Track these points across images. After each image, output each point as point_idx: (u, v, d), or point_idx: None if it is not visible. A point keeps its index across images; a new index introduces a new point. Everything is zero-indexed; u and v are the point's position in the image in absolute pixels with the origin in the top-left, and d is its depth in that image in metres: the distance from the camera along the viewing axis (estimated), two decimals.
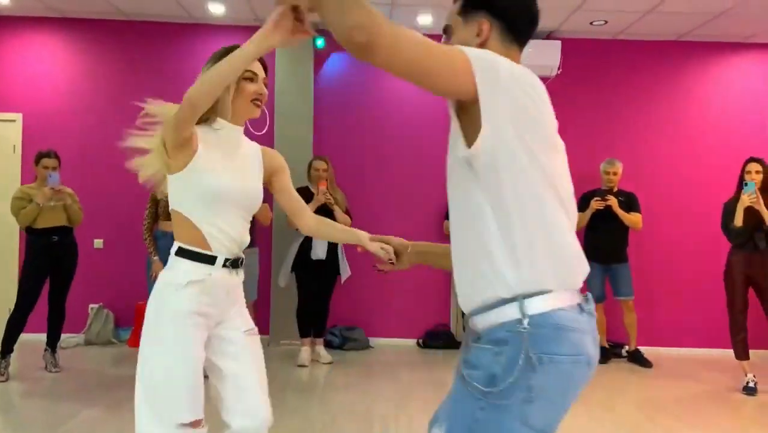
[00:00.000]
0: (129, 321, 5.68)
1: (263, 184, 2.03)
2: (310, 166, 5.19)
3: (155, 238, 4.62)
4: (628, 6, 5.09)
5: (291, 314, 5.42)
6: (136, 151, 1.92)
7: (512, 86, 1.27)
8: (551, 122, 1.35)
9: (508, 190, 1.28)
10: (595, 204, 5.23)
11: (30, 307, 4.47)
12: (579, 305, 1.33)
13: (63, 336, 4.82)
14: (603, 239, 5.26)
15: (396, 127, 5.95)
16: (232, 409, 1.89)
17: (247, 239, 1.97)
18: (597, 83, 5.90)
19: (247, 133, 2.03)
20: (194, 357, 1.80)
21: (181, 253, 1.85)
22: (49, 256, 4.55)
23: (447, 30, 1.50)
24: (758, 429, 3.78)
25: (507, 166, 1.27)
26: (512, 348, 1.25)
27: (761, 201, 4.40)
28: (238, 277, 1.94)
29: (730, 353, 4.73)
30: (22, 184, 5.37)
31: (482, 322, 1.33)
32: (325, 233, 2.13)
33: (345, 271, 5.12)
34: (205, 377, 1.85)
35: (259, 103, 1.93)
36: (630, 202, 5.33)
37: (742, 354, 4.63)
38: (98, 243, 5.81)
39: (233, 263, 1.89)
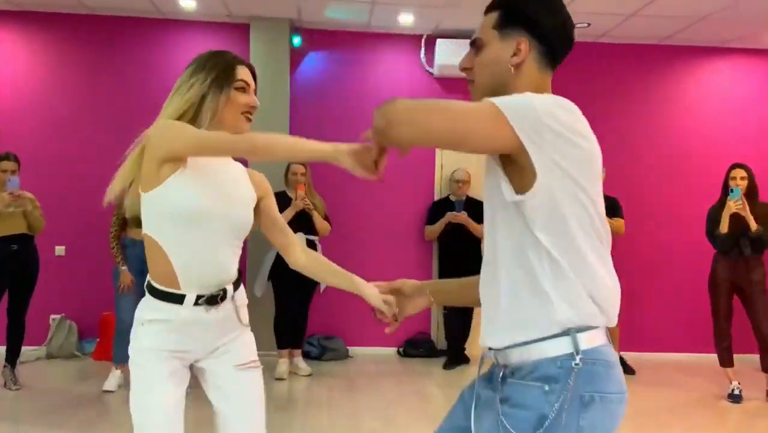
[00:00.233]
0: (93, 333, 5.38)
1: None
2: (287, 170, 4.98)
3: (123, 246, 4.36)
4: (612, 9, 5.03)
5: (267, 324, 5.19)
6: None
7: (552, 124, 1.21)
8: (594, 148, 1.29)
9: (559, 230, 1.25)
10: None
11: None
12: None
13: (22, 349, 4.51)
14: None
15: None
16: None
17: (234, 270, 1.74)
18: (579, 86, 5.82)
19: None
20: (164, 396, 1.64)
21: (149, 289, 1.70)
22: (8, 266, 4.24)
23: (477, 43, 1.39)
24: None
25: (558, 206, 1.24)
26: (563, 386, 1.21)
27: (747, 208, 4.38)
28: (221, 312, 1.70)
29: (713, 357, 4.71)
30: None
31: (522, 355, 1.27)
32: (316, 272, 1.90)
33: None
34: None
35: (249, 116, 1.73)
36: (613, 208, 5.28)
37: (726, 361, 4.61)
38: (60, 250, 5.48)
39: (209, 300, 1.66)
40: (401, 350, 5.63)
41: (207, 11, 5.45)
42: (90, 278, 5.39)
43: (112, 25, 5.60)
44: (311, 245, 4.80)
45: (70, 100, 5.56)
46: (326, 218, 4.92)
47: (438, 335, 5.71)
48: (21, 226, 4.28)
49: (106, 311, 5.16)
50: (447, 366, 5.23)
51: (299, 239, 5.16)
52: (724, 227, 4.45)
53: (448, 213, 5.23)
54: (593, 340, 1.25)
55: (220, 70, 1.67)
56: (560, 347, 1.24)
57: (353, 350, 5.60)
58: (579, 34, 5.55)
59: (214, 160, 1.72)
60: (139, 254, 4.39)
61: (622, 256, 5.56)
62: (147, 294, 1.70)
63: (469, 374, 5.08)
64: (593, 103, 5.85)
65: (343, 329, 5.64)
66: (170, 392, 1.65)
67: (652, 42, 5.87)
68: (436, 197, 5.63)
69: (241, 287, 1.79)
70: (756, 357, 4.62)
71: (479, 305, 1.50)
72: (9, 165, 4.24)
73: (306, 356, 5.20)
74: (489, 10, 1.40)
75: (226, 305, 1.70)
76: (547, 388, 1.22)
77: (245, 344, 1.79)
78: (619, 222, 5.25)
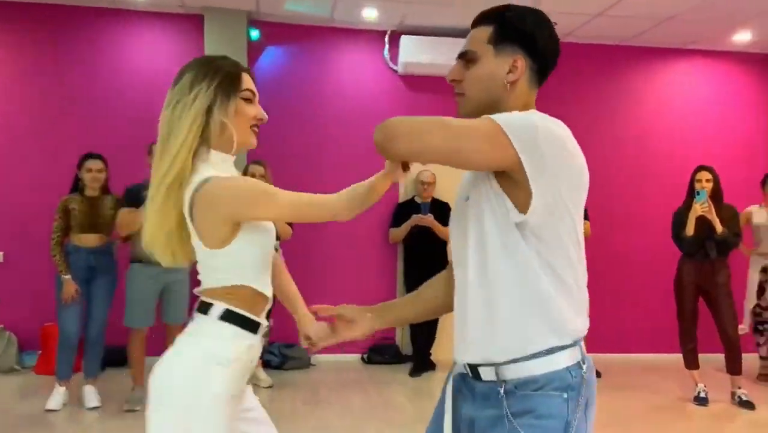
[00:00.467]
0: (35, 345, 5.00)
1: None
2: (245, 171, 4.72)
3: (67, 253, 4.04)
4: (579, 8, 4.96)
5: None
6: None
7: (550, 144, 1.25)
8: (584, 164, 1.34)
9: (557, 246, 1.30)
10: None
11: None
12: None
13: None
14: None
15: (338, 126, 5.56)
16: None
17: None
18: (543, 87, 5.76)
19: None
20: None
21: (225, 317, 1.49)
22: None
23: (469, 56, 1.38)
24: None
25: (555, 225, 1.29)
26: (578, 393, 1.29)
27: (713, 210, 4.38)
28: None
29: (677, 357, 4.71)
30: None
31: (531, 368, 1.29)
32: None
33: None
34: None
35: (257, 129, 1.57)
36: None
37: (692, 364, 4.62)
38: None
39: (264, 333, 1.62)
40: (365, 356, 5.46)
41: (158, 0, 5.13)
42: (31, 287, 5.02)
43: (56, 15, 5.20)
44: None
45: (5, 98, 5.14)
46: (288, 222, 4.69)
47: (403, 340, 5.55)
48: None
49: (48, 321, 4.81)
50: (413, 373, 5.08)
51: None
52: (690, 229, 4.43)
53: (414, 216, 5.08)
54: (584, 349, 1.36)
55: (223, 76, 1.49)
56: (572, 356, 1.31)
57: (316, 357, 5.38)
58: None
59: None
60: (83, 261, 4.10)
61: (586, 257, 5.54)
62: (214, 321, 1.46)
63: (437, 380, 4.94)
64: (557, 104, 5.77)
65: None
66: None
67: (616, 42, 5.84)
68: (401, 199, 5.47)
69: None
70: (720, 356, 4.65)
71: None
72: None
73: (266, 365, 4.96)
74: (480, 23, 1.39)
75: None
76: (566, 396, 1.27)
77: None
78: (586, 225, 5.20)
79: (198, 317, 1.50)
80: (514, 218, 1.26)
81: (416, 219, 5.07)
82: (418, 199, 5.28)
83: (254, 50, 5.44)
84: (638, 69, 5.95)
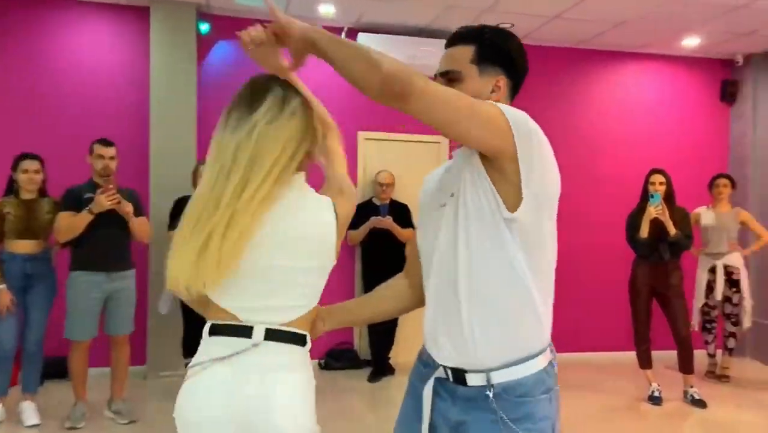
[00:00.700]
0: None
1: None
2: (195, 172, 4.51)
3: (1, 261, 3.75)
4: (537, 10, 4.96)
5: (171, 340, 4.72)
6: None
7: (540, 145, 1.32)
8: (558, 175, 1.40)
9: (540, 247, 1.37)
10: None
11: None
12: None
13: None
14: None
15: None
16: None
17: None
18: None
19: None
20: None
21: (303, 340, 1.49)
22: None
23: (452, 76, 1.42)
24: None
25: (541, 224, 1.35)
26: (554, 391, 1.40)
27: (666, 212, 4.45)
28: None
29: (629, 355, 4.78)
30: None
31: (518, 372, 1.35)
32: None
33: None
34: None
35: None
36: None
37: (645, 363, 4.69)
38: None
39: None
40: (322, 362, 5.31)
41: None
42: None
43: None
44: None
45: None
46: None
47: (361, 344, 5.44)
48: None
49: None
50: (372, 378, 4.98)
51: None
52: (644, 231, 4.49)
53: (373, 218, 4.98)
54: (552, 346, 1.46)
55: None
56: (547, 357, 1.40)
57: None
58: None
59: None
60: (19, 269, 3.79)
61: None
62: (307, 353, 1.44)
63: (396, 385, 4.85)
64: (513, 104, 5.79)
65: None
66: None
67: (569, 45, 5.89)
68: (359, 200, 5.35)
69: None
70: (672, 353, 4.74)
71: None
72: None
73: None
74: (458, 42, 1.44)
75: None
76: (549, 396, 1.38)
77: None
78: None
79: (293, 349, 1.40)
80: (504, 215, 1.30)
81: (375, 221, 4.96)
82: (376, 201, 5.17)
83: (204, 45, 5.21)
84: (591, 72, 6.01)
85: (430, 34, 5.42)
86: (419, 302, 1.57)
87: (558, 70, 5.90)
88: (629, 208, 4.74)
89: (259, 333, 1.35)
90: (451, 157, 1.51)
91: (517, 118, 1.28)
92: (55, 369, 4.61)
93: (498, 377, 1.34)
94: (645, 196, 4.61)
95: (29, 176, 3.79)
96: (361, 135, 5.53)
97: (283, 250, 1.37)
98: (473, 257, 1.33)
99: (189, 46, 5.03)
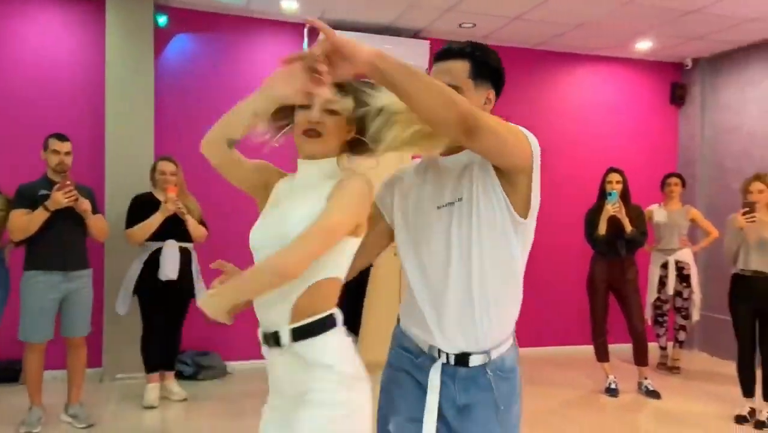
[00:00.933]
0: None
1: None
2: (153, 169, 4.39)
3: None
4: (499, 11, 5.02)
5: (128, 341, 4.59)
6: None
7: (538, 157, 1.53)
8: None
9: (527, 247, 1.62)
10: None
11: None
12: None
13: None
14: None
15: None
16: None
17: (286, 311, 1.51)
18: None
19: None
20: None
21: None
22: None
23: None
24: (623, 430, 3.92)
25: (532, 227, 1.61)
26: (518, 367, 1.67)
27: (623, 210, 4.59)
28: (287, 357, 1.49)
29: (585, 349, 4.92)
30: None
31: (500, 351, 1.60)
32: None
33: (201, 292, 4.40)
34: None
35: (313, 132, 1.49)
36: None
37: (603, 356, 4.84)
38: None
39: (265, 339, 1.52)
40: None
41: None
42: None
43: None
44: (185, 252, 4.27)
45: None
46: (202, 223, 4.40)
47: None
48: None
49: None
50: None
51: (170, 246, 4.53)
52: (602, 229, 4.62)
53: None
54: None
55: None
56: (513, 334, 1.68)
57: (232, 365, 5.12)
58: (464, 34, 5.55)
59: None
60: None
61: None
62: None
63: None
64: None
65: (218, 343, 5.13)
66: None
67: (528, 46, 6.00)
68: None
69: (320, 339, 1.47)
70: (626, 346, 4.90)
71: None
72: None
73: (178, 376, 4.64)
74: (452, 56, 1.56)
75: (292, 350, 1.47)
76: (518, 374, 1.65)
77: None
78: None
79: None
80: (518, 220, 1.52)
81: None
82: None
83: (161, 37, 5.07)
84: (549, 73, 6.13)
85: (393, 32, 5.43)
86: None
87: (517, 71, 5.98)
88: (586, 208, 4.86)
89: None
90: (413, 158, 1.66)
91: (534, 140, 1.50)
92: (8, 373, 4.42)
93: (495, 354, 1.57)
94: (602, 195, 4.74)
95: None
96: None
97: None
98: (484, 256, 1.53)
99: (146, 39, 4.89)
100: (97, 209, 3.84)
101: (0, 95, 4.70)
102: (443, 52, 1.58)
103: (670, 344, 5.56)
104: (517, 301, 1.62)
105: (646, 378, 4.75)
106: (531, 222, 1.55)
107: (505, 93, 5.94)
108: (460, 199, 1.52)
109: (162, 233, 4.17)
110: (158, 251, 4.17)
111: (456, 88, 1.45)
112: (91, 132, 4.82)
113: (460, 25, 5.38)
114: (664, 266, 5.30)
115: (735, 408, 4.23)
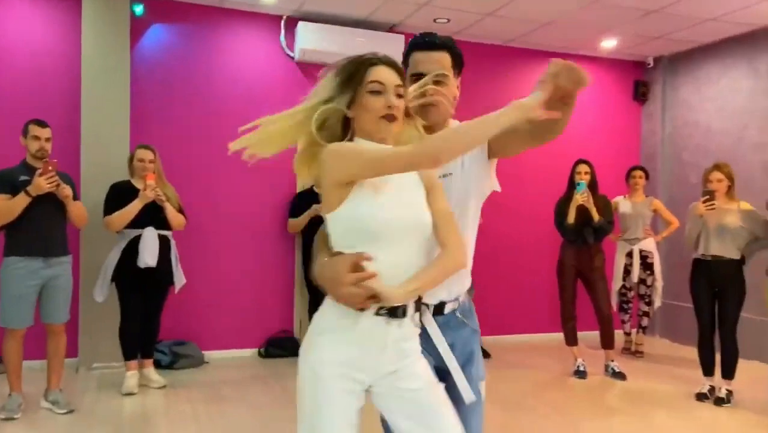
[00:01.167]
0: None
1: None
2: (132, 156, 4.39)
3: None
4: (472, 7, 5.17)
5: (105, 330, 4.58)
6: None
7: None
8: None
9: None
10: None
11: None
12: None
13: None
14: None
15: (228, 109, 5.27)
16: None
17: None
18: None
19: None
20: (342, 416, 1.55)
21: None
22: None
23: (441, 77, 1.69)
24: (592, 409, 4.10)
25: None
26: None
27: (591, 199, 4.79)
28: (404, 329, 1.57)
29: (554, 336, 5.10)
30: None
31: (463, 294, 1.82)
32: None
33: (179, 279, 4.42)
34: None
35: (393, 119, 1.56)
36: None
37: (572, 341, 5.03)
38: None
39: (391, 312, 1.53)
40: (263, 350, 5.30)
41: None
42: None
43: None
44: (164, 240, 4.29)
45: None
46: (180, 210, 4.42)
47: (301, 332, 5.47)
48: None
49: None
50: None
51: (149, 234, 4.53)
52: (571, 217, 4.81)
53: (315, 205, 5.01)
54: None
55: (348, 73, 1.57)
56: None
57: (209, 354, 5.14)
58: (438, 29, 5.67)
59: None
60: None
61: (476, 244, 5.80)
62: (327, 301, 1.60)
63: None
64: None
65: (195, 332, 5.15)
66: (350, 411, 1.55)
67: (499, 43, 6.16)
68: (299, 189, 5.37)
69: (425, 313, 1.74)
70: (592, 334, 5.11)
71: None
72: None
73: (155, 365, 4.63)
74: (436, 48, 1.74)
75: (407, 321, 1.58)
76: (474, 311, 1.89)
77: (419, 368, 1.62)
78: None
79: None
80: (494, 187, 1.85)
81: (316, 209, 5.01)
82: (317, 189, 5.20)
83: (138, 27, 5.06)
84: (517, 69, 6.30)
85: (368, 25, 5.52)
86: None
87: (487, 67, 6.14)
88: (555, 199, 5.05)
89: None
90: None
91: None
92: None
93: (462, 298, 1.81)
94: (571, 185, 4.93)
95: None
96: None
97: None
98: (472, 219, 1.80)
99: (122, 29, 4.88)
100: (76, 196, 3.83)
101: None
102: (430, 43, 1.75)
103: (633, 331, 5.80)
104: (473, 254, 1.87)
105: (612, 360, 4.96)
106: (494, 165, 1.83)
107: (477, 87, 6.18)
108: (451, 174, 1.77)
109: (141, 221, 4.17)
110: (137, 239, 4.17)
111: (445, 76, 1.70)
112: (67, 120, 4.77)
113: (434, 20, 5.51)
114: (629, 254, 5.53)
115: (695, 387, 4.46)
